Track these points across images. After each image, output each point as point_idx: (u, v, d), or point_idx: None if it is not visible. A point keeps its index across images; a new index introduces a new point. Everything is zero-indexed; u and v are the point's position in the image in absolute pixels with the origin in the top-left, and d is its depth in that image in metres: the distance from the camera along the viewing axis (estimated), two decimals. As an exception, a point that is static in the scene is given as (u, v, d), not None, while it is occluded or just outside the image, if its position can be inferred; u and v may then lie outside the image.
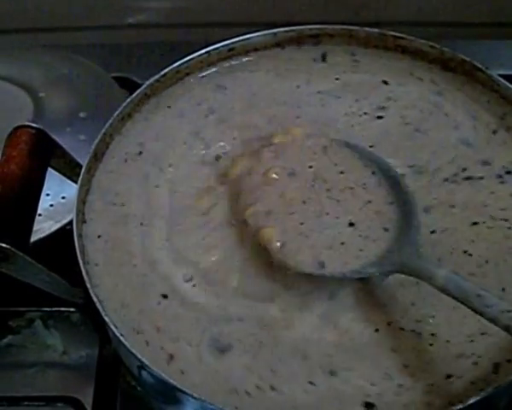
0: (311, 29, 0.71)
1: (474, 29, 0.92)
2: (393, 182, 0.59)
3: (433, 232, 0.59)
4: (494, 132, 0.65)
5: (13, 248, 0.55)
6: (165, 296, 0.57)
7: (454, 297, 0.51)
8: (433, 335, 0.54)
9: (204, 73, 0.70)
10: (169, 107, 0.68)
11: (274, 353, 0.54)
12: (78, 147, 0.67)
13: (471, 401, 0.49)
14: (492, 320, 0.49)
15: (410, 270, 0.53)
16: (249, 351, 0.54)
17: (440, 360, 0.53)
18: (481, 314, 0.49)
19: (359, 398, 0.51)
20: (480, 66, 0.67)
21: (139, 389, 0.63)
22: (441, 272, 0.52)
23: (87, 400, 0.63)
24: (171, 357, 0.54)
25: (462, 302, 0.50)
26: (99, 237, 0.60)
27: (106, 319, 0.53)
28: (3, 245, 0.55)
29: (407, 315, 0.55)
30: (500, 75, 0.67)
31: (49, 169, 0.63)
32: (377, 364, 0.53)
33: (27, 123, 0.62)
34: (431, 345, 0.53)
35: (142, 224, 0.61)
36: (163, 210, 0.62)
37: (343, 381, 0.52)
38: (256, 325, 0.55)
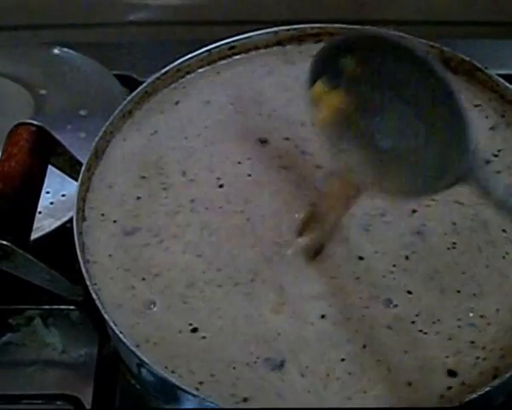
0: (312, 28, 0.71)
1: (474, 28, 0.92)
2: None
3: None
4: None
5: (13, 246, 0.55)
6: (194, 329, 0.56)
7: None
8: (482, 316, 0.55)
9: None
10: (173, 104, 0.69)
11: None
12: (78, 144, 0.67)
13: (467, 399, 0.49)
14: None
15: (474, 177, 0.50)
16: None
17: (503, 326, 0.55)
18: None
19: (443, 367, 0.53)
20: (479, 65, 0.67)
21: (138, 387, 0.62)
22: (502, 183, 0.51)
23: (86, 398, 0.63)
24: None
25: None
26: (99, 236, 0.60)
27: (105, 316, 0.54)
28: (4, 242, 0.55)
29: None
30: (500, 75, 0.67)
31: (50, 167, 0.63)
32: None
33: (28, 120, 0.62)
34: (488, 324, 0.55)
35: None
36: (164, 207, 0.62)
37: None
38: None
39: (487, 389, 0.50)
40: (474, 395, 0.49)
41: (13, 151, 0.60)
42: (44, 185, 0.62)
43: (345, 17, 0.73)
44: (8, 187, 0.58)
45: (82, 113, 0.80)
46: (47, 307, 0.68)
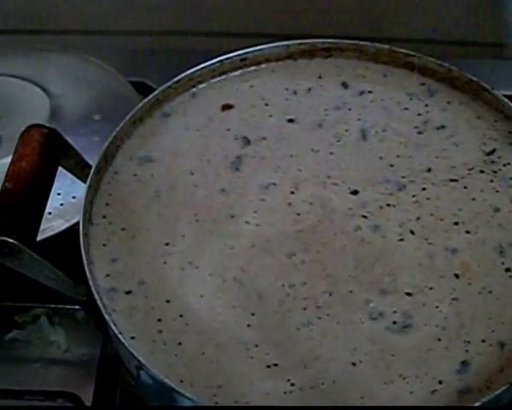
0: (323, 42, 0.72)
1: (483, 49, 0.92)
2: None
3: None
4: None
5: (19, 244, 0.56)
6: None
7: None
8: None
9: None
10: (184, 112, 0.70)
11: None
12: (91, 148, 0.68)
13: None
14: None
15: None
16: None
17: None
18: None
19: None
20: (486, 86, 0.67)
21: (138, 389, 0.63)
22: None
23: (87, 397, 0.64)
24: None
25: None
26: (104, 245, 0.61)
27: (106, 317, 0.54)
28: (10, 240, 0.56)
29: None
30: (508, 96, 0.67)
31: (61, 169, 0.64)
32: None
33: (40, 122, 0.63)
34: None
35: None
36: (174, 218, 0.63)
37: None
38: None
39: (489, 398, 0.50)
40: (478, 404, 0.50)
41: (24, 152, 0.61)
42: (55, 187, 0.63)
43: (358, 35, 0.74)
44: (18, 187, 0.59)
45: (96, 117, 0.81)
46: (53, 305, 0.69)
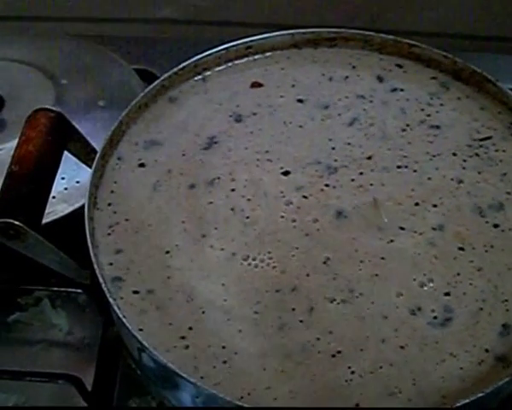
0: (328, 32, 0.72)
1: (488, 43, 0.93)
2: None
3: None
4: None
5: (25, 226, 0.56)
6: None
7: None
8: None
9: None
10: (189, 99, 0.70)
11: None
12: (95, 133, 0.68)
13: (462, 402, 0.50)
14: None
15: None
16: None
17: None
18: None
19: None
20: (490, 77, 0.68)
21: (139, 372, 0.64)
22: None
23: (88, 379, 0.64)
24: None
25: None
26: (109, 234, 0.61)
27: (110, 300, 0.54)
28: (16, 222, 0.56)
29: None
30: (512, 89, 0.68)
31: (66, 154, 0.64)
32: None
33: (47, 106, 0.64)
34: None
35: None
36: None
37: None
38: None
39: (480, 395, 0.50)
40: (467, 400, 0.50)
41: (30, 135, 0.61)
42: (60, 171, 0.63)
43: (361, 27, 0.74)
44: (24, 169, 0.59)
45: (101, 104, 0.82)
46: (55, 288, 0.70)
